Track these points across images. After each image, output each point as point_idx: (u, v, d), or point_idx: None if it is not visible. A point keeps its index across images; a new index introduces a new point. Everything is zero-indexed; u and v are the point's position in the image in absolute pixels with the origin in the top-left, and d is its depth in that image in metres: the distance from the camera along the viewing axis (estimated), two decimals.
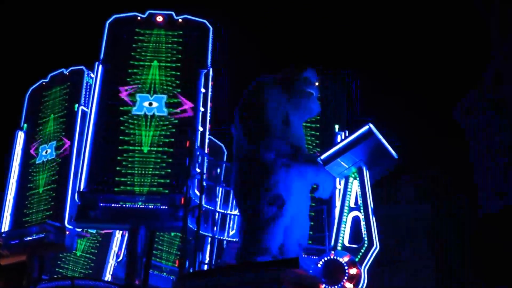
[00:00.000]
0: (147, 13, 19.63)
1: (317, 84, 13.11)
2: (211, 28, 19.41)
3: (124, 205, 16.59)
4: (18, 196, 19.82)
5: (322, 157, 12.83)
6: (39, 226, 18.54)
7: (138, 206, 16.57)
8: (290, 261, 10.27)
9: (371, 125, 12.66)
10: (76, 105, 20.86)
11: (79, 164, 19.64)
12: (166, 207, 16.58)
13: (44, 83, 22.00)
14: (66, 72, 22.05)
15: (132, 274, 15.95)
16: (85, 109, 20.89)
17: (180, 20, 19.58)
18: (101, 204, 16.39)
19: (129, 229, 16.40)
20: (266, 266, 10.31)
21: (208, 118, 17.88)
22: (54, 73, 22.06)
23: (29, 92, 21.81)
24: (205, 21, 19.56)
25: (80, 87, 21.25)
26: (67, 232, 18.71)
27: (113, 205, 16.57)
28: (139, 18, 19.52)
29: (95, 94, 18.04)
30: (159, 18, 19.50)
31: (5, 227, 19.33)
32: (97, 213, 16.22)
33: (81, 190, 16.54)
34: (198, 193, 15.18)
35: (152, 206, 16.63)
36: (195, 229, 13.82)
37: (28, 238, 18.69)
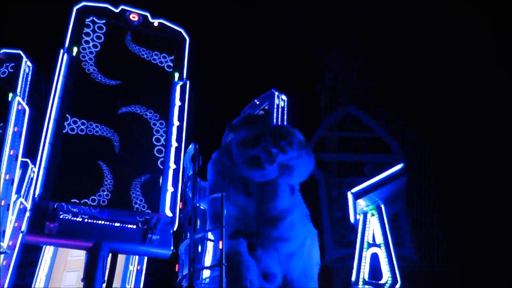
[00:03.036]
0: (119, 7, 17.69)
1: None
2: (187, 39, 18.14)
3: (85, 219, 14.30)
4: None
5: (353, 191, 12.77)
6: None
7: (103, 223, 14.40)
8: None
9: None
10: (10, 94, 17.88)
11: (10, 167, 16.92)
12: (136, 227, 14.69)
13: None
14: None
15: None
16: (21, 100, 18.06)
17: (155, 23, 17.99)
18: (61, 216, 13.89)
19: (88, 248, 14.09)
20: None
21: (184, 133, 16.45)
22: None
23: None
24: (182, 29, 18.23)
25: (16, 75, 18.32)
26: None
27: (73, 218, 14.18)
28: (111, 11, 17.50)
29: (57, 86, 15.49)
30: (134, 17, 17.69)
31: None
32: (54, 227, 13.66)
33: (37, 196, 13.87)
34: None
35: (118, 224, 14.58)
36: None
37: None
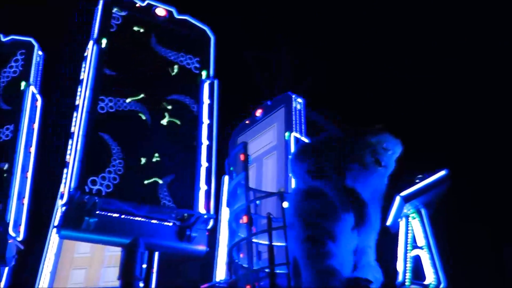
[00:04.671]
0: (146, 2, 17.27)
1: None
2: (212, 37, 17.93)
3: (122, 216, 13.72)
4: None
5: (402, 194, 13.08)
6: None
7: (140, 219, 13.89)
8: None
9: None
10: (24, 83, 16.96)
11: (27, 157, 16.05)
12: (172, 224, 14.27)
13: None
14: (4, 39, 17.84)
15: None
16: (34, 90, 17.19)
17: (180, 20, 17.67)
18: (98, 211, 13.26)
19: (125, 245, 13.53)
20: None
21: (215, 131, 16.22)
22: None
23: None
24: (206, 28, 18.01)
25: (29, 63, 17.39)
26: (10, 241, 14.63)
27: (109, 213, 13.58)
28: (138, 4, 17.06)
29: (88, 79, 14.86)
30: (160, 12, 17.33)
31: None
32: (93, 222, 13.03)
33: (72, 189, 13.18)
34: None
35: (155, 221, 14.12)
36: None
37: None
